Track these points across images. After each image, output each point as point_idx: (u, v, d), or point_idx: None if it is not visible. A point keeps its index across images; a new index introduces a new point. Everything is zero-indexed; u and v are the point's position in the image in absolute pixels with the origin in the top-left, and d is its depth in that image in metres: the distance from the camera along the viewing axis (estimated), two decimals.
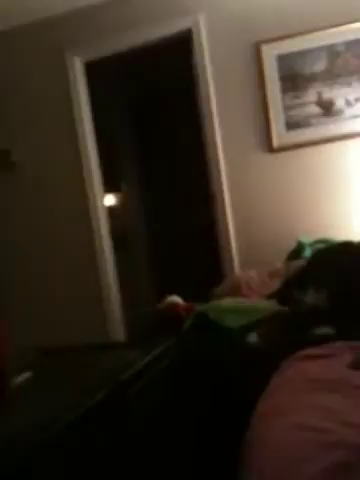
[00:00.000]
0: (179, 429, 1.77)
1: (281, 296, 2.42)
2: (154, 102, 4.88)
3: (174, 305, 2.58)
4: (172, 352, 1.87)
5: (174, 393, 1.77)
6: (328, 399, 1.42)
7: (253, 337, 2.10)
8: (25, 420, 1.29)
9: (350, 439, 1.16)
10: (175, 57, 3.79)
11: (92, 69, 3.80)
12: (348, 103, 3.25)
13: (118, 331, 3.74)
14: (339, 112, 3.26)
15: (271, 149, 3.36)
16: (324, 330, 2.04)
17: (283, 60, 3.32)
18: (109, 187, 4.36)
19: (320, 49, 3.27)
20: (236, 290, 2.81)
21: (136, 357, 1.67)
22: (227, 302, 2.59)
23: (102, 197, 3.86)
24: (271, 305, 2.44)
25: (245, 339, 2.13)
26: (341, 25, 3.22)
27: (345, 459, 1.10)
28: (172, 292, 2.83)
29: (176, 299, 2.64)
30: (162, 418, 1.68)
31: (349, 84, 3.25)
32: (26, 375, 1.67)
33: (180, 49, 3.58)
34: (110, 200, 4.71)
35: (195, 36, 3.47)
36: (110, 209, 4.50)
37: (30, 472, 1.14)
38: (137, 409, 1.54)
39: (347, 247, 2.56)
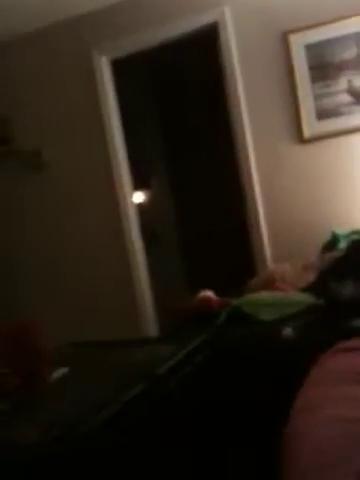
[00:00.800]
0: (218, 424, 1.75)
1: (317, 288, 2.37)
2: (181, 98, 4.86)
3: (207, 300, 2.56)
4: (208, 346, 1.85)
5: (211, 388, 1.76)
6: None
7: (288, 330, 2.07)
8: (62, 415, 1.29)
9: None
10: (202, 52, 3.76)
11: (119, 67, 3.81)
12: None
13: (150, 327, 3.75)
14: None
15: (302, 140, 3.31)
16: None
17: (312, 49, 3.26)
18: (139, 184, 4.36)
19: (349, 37, 3.20)
20: (270, 283, 2.77)
21: (171, 352, 1.66)
22: (261, 295, 2.56)
23: (131, 194, 3.86)
24: (307, 297, 2.40)
25: (280, 332, 2.09)
26: None
27: None
28: (204, 287, 2.81)
29: (209, 294, 2.62)
30: (200, 413, 1.67)
31: None
32: (62, 371, 1.67)
33: (206, 43, 3.55)
34: (140, 197, 4.72)
35: (221, 29, 3.44)
36: (140, 205, 4.51)
37: (66, 466, 1.14)
38: (175, 403, 1.53)
39: None
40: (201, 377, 1.78)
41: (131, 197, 3.86)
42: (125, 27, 3.65)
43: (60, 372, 1.66)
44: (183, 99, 4.88)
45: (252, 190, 3.42)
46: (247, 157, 3.42)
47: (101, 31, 3.72)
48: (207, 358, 1.84)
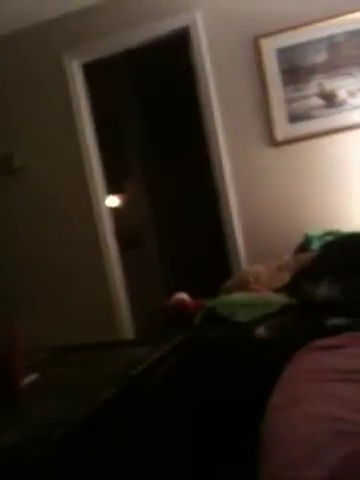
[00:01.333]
0: (192, 424, 1.75)
1: (291, 289, 2.39)
2: (156, 102, 4.87)
3: (182, 302, 2.56)
4: (183, 348, 1.84)
5: (187, 388, 1.75)
6: (343, 388, 1.40)
7: (261, 330, 2.07)
8: (32, 421, 1.27)
9: None
10: (175, 55, 3.77)
11: (92, 70, 3.79)
12: (351, 94, 3.22)
13: (127, 330, 3.72)
14: (342, 103, 3.23)
15: (274, 143, 3.34)
16: (337, 321, 2.01)
17: (283, 53, 3.30)
18: (115, 187, 4.35)
19: (320, 41, 3.24)
20: (244, 284, 2.79)
21: (146, 354, 1.64)
22: (236, 296, 2.58)
23: (104, 197, 3.84)
24: (281, 298, 2.42)
25: (253, 332, 2.10)
26: (340, 15, 3.19)
27: None
28: (182, 289, 2.81)
29: (184, 296, 2.62)
30: (176, 413, 1.66)
31: (351, 74, 3.22)
32: (34, 376, 1.64)
33: (180, 47, 3.56)
34: (115, 200, 4.70)
35: (193, 34, 3.45)
36: (117, 209, 4.50)
37: (40, 471, 1.12)
38: (151, 404, 1.52)
39: (357, 237, 2.53)
40: (176, 379, 1.77)
41: (105, 201, 3.84)
42: (96, 31, 3.63)
43: (32, 377, 1.63)
44: (157, 102, 4.89)
45: (226, 192, 3.44)
46: (220, 160, 3.44)
47: (72, 35, 3.69)
48: (182, 360, 1.83)
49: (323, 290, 2.14)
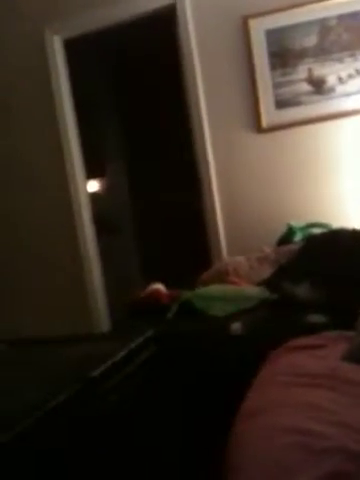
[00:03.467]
0: (159, 427, 1.64)
1: (271, 286, 2.28)
2: (139, 82, 4.71)
3: (156, 293, 2.44)
4: (152, 343, 1.73)
5: (153, 390, 1.64)
6: (318, 396, 1.29)
7: (236, 326, 1.97)
8: None
9: (343, 443, 1.03)
10: (160, 33, 3.62)
11: (73, 47, 3.62)
12: (340, 80, 3.10)
13: (103, 321, 3.61)
14: (331, 90, 3.11)
15: (260, 129, 3.21)
16: (316, 318, 1.91)
17: (272, 35, 3.15)
18: (94, 171, 4.20)
19: (311, 23, 3.11)
20: (223, 276, 2.68)
21: (111, 350, 1.53)
22: (213, 289, 2.47)
23: (84, 183, 3.70)
24: (260, 292, 2.32)
25: (228, 328, 1.99)
26: None
27: (338, 468, 0.96)
28: (161, 278, 2.69)
29: (159, 287, 2.50)
30: (139, 416, 1.55)
31: (341, 60, 3.09)
32: None
33: (165, 25, 3.41)
34: (94, 185, 4.56)
35: (179, 11, 3.30)
36: (95, 194, 4.36)
37: None
38: (111, 407, 1.40)
39: (340, 236, 2.43)
40: (145, 376, 1.66)
41: (84, 185, 3.69)
42: (79, 5, 3.46)
43: None
44: (141, 83, 4.73)
45: (208, 180, 3.31)
46: (204, 146, 3.30)
47: (53, 9, 3.52)
48: (152, 355, 1.72)
49: (304, 291, 2.04)
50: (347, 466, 0.99)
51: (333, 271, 2.09)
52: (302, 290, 2.05)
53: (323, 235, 2.55)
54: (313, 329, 1.85)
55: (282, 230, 2.96)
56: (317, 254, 2.28)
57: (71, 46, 3.62)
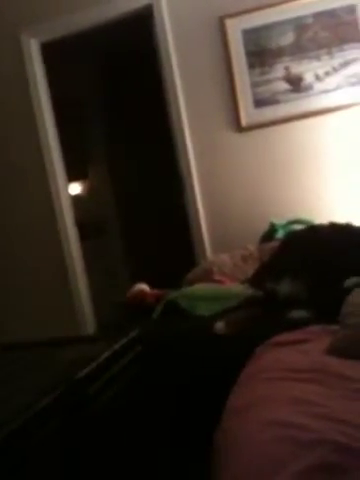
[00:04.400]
0: (146, 428, 1.64)
1: (254, 285, 2.29)
2: (120, 83, 4.71)
3: (141, 293, 2.45)
4: (137, 345, 1.73)
5: (138, 391, 1.64)
6: (304, 390, 1.31)
7: (220, 325, 1.98)
8: None
9: (330, 436, 1.04)
10: (139, 35, 3.62)
11: (53, 50, 3.60)
12: (317, 78, 3.13)
13: (88, 323, 3.59)
14: (308, 87, 3.14)
15: (240, 128, 3.23)
16: (300, 313, 1.93)
17: (249, 35, 3.18)
18: (77, 173, 4.19)
19: (287, 22, 3.14)
20: (208, 275, 2.70)
21: (96, 352, 1.52)
22: (198, 288, 2.48)
23: (66, 185, 3.68)
24: (244, 290, 2.33)
25: (213, 327, 2.00)
26: None
27: (325, 459, 0.98)
28: (147, 279, 2.69)
29: (143, 287, 2.51)
30: (126, 417, 1.55)
31: (318, 58, 3.13)
32: None
33: (144, 26, 3.41)
34: (77, 188, 4.55)
35: (156, 12, 3.30)
36: (78, 196, 4.35)
37: None
38: (97, 409, 1.40)
39: (319, 230, 2.45)
40: (130, 376, 1.66)
41: (66, 188, 3.68)
42: (57, 8, 3.45)
43: None
44: (122, 84, 4.73)
45: (190, 179, 3.32)
46: (185, 146, 3.31)
47: (30, 13, 3.50)
48: (137, 356, 1.72)
49: (284, 288, 2.06)
50: (334, 457, 1.00)
51: (313, 265, 2.11)
52: (284, 286, 2.06)
53: (302, 231, 2.58)
54: (297, 325, 1.86)
55: (265, 227, 2.99)
56: (297, 249, 2.30)
57: (50, 49, 3.60)
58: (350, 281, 1.96)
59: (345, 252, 2.12)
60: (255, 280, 2.32)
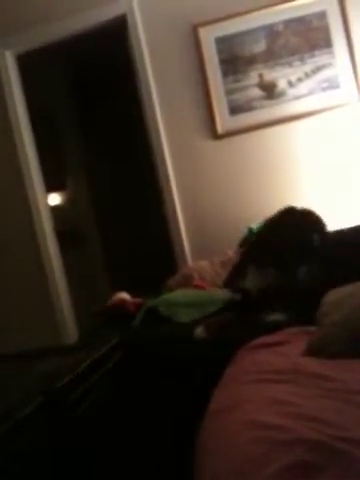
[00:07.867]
0: (128, 435, 1.65)
1: (229, 286, 2.32)
2: (96, 93, 4.72)
3: (122, 302, 2.45)
4: (118, 353, 1.74)
5: (120, 398, 1.65)
6: (282, 391, 1.33)
7: (199, 330, 1.99)
8: None
9: (307, 435, 1.06)
10: (113, 45, 3.65)
11: (27, 61, 3.61)
12: (290, 84, 3.18)
13: (70, 333, 3.58)
14: (282, 94, 3.19)
15: (216, 135, 3.26)
16: (275, 316, 1.95)
17: (222, 42, 3.22)
18: (55, 184, 4.19)
19: (259, 29, 3.19)
20: (188, 281, 2.71)
21: (76, 361, 1.53)
22: (178, 294, 2.49)
23: (44, 196, 3.68)
24: (223, 294, 2.35)
25: (193, 333, 2.02)
26: (279, 4, 3.15)
27: (303, 458, 1.00)
28: (128, 287, 2.70)
29: (123, 295, 2.52)
30: (107, 425, 1.56)
31: (290, 64, 3.18)
32: None
33: (118, 36, 3.43)
34: (56, 198, 4.55)
35: (130, 22, 3.33)
36: (57, 207, 4.34)
37: None
38: (77, 417, 1.41)
39: (289, 214, 2.49)
40: (111, 384, 1.67)
41: (44, 199, 3.68)
42: (31, 19, 3.45)
43: None
44: (98, 94, 4.75)
45: (169, 187, 3.34)
46: (162, 154, 3.33)
47: (4, 25, 3.50)
48: (118, 363, 1.73)
49: (251, 280, 2.09)
50: (310, 456, 1.02)
51: (282, 248, 2.14)
52: (250, 278, 2.09)
53: (262, 226, 2.61)
54: (275, 327, 1.89)
55: (243, 232, 3.02)
56: (265, 240, 2.33)
57: (25, 60, 3.61)
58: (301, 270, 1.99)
59: (301, 235, 2.16)
60: (228, 282, 2.35)
